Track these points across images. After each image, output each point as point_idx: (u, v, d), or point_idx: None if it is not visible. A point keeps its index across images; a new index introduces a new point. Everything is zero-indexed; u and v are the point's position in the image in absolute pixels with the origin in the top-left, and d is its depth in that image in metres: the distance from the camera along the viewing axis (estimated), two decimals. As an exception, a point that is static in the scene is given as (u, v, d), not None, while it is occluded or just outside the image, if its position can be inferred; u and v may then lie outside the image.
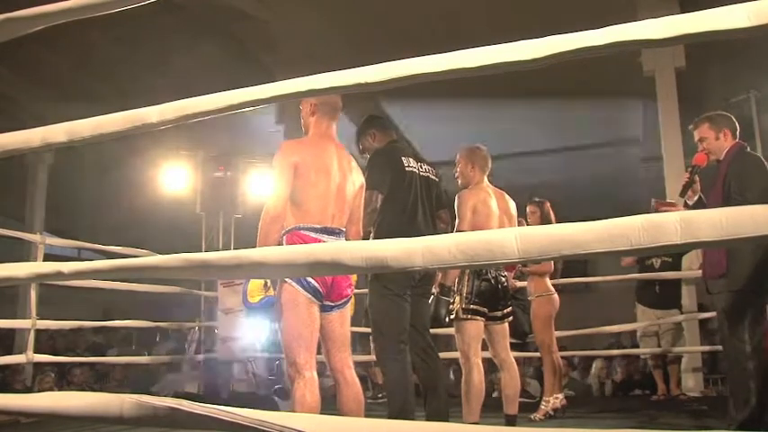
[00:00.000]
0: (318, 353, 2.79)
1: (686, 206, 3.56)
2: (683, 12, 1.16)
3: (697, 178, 3.51)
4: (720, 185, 3.34)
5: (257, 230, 2.68)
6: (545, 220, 4.84)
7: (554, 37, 1.21)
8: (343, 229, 2.84)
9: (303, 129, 3.01)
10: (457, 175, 3.90)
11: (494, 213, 3.74)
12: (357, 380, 2.84)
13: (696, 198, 3.52)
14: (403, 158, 3.48)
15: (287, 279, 2.67)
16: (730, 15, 1.09)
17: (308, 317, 2.67)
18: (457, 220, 3.67)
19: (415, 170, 3.49)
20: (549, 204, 5.02)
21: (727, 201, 3.24)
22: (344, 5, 7.50)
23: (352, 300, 2.93)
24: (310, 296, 2.67)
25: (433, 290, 3.56)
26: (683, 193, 3.52)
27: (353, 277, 2.95)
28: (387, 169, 3.41)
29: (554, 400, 4.74)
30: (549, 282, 4.92)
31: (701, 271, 3.69)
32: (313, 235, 2.72)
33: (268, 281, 2.82)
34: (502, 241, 1.10)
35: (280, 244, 2.71)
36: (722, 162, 3.42)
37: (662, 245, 1.07)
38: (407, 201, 3.42)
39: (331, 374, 2.90)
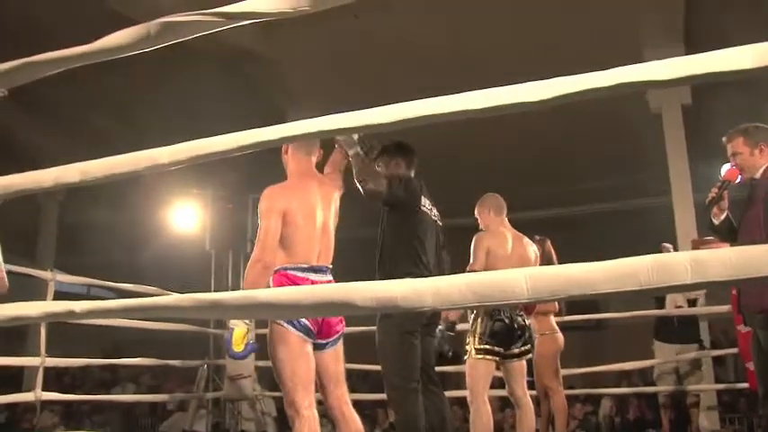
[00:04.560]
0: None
1: (712, 225, 3.25)
2: (687, 50, 1.17)
3: (725, 195, 3.19)
4: (761, 209, 3.00)
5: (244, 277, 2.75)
6: (546, 259, 4.82)
7: (560, 78, 1.23)
8: (329, 266, 2.88)
9: (285, 167, 3.07)
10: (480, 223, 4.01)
11: (508, 256, 3.79)
12: (356, 415, 2.85)
13: (723, 217, 3.20)
14: (423, 198, 3.47)
15: (282, 326, 2.67)
16: (734, 57, 1.11)
17: (302, 355, 2.68)
18: (471, 260, 3.72)
19: (427, 211, 3.49)
20: (549, 242, 5.00)
21: None
22: (352, 41, 7.61)
23: None
24: (302, 335, 2.68)
25: (440, 325, 3.56)
26: (708, 209, 3.22)
27: None
28: (411, 195, 3.38)
29: None
30: (553, 321, 4.87)
31: (723, 306, 3.40)
32: (300, 274, 2.77)
33: (251, 330, 2.84)
34: (512, 281, 1.10)
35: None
36: (759, 182, 3.08)
37: (672, 285, 1.07)
38: (421, 241, 3.39)
39: (329, 413, 2.90)
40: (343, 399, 2.85)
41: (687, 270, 1.05)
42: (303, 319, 2.67)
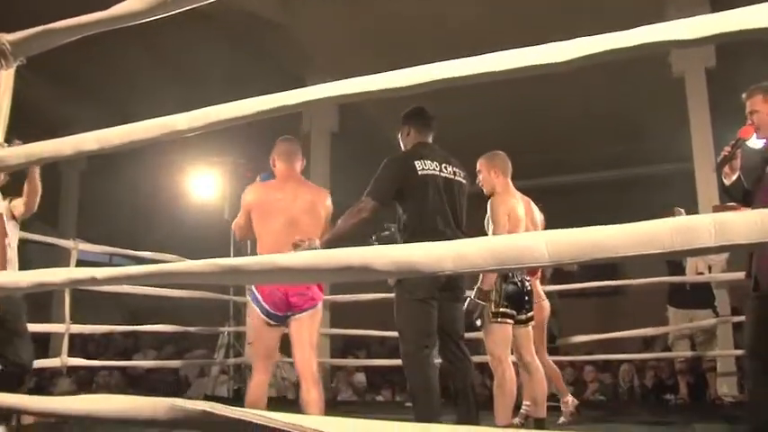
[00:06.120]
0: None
1: (722, 185, 3.17)
2: (713, 8, 1.14)
3: (738, 154, 3.06)
4: None
5: None
6: None
7: (583, 39, 1.20)
8: None
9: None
10: (481, 183, 3.89)
11: (521, 221, 3.76)
12: (316, 385, 3.28)
13: (735, 177, 3.08)
14: (416, 162, 3.35)
15: (251, 302, 3.35)
16: (763, 14, 1.07)
17: (261, 332, 3.36)
18: (492, 226, 3.68)
19: (432, 173, 3.37)
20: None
21: None
22: (372, 7, 7.52)
23: None
24: (263, 317, 3.30)
25: (470, 294, 3.55)
26: (719, 168, 3.11)
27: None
28: (394, 178, 3.32)
29: (572, 400, 4.70)
30: (540, 287, 4.79)
31: (739, 273, 3.26)
32: None
33: None
34: (532, 245, 1.09)
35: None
36: None
37: (695, 248, 1.05)
38: (425, 206, 3.32)
39: (296, 370, 3.44)
40: (307, 363, 3.32)
41: (711, 233, 1.03)
42: (266, 306, 3.27)
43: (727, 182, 3.13)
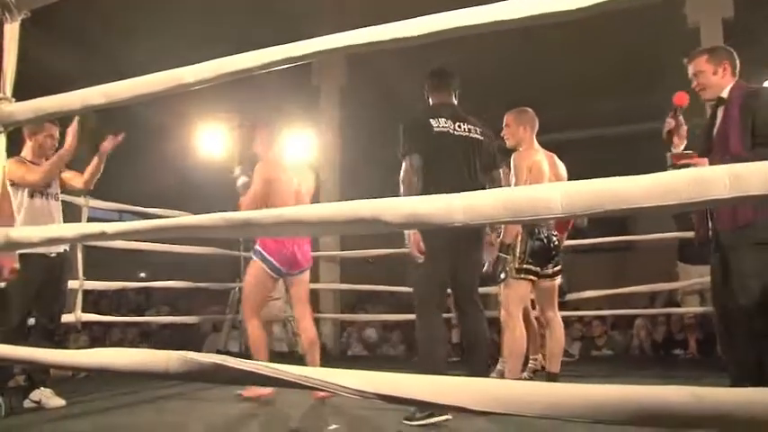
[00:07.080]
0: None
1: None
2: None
3: (682, 120, 3.05)
4: (736, 125, 2.84)
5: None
6: None
7: (597, -15, 1.17)
8: None
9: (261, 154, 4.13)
10: (506, 136, 3.90)
11: (545, 175, 3.75)
12: (313, 328, 3.99)
13: (683, 147, 3.04)
14: (432, 120, 3.35)
15: (256, 259, 3.90)
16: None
17: (264, 283, 3.90)
18: (514, 180, 3.68)
19: (447, 130, 3.36)
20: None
21: (756, 140, 2.77)
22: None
23: None
24: (270, 272, 3.85)
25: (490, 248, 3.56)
26: (667, 140, 3.06)
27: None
28: (414, 137, 3.34)
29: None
30: None
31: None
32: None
33: None
34: (546, 197, 1.07)
35: None
36: (730, 102, 2.93)
37: (710, 199, 1.04)
38: (442, 163, 3.31)
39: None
40: (303, 314, 4.01)
41: (726, 185, 1.02)
42: (273, 261, 3.83)
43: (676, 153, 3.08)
